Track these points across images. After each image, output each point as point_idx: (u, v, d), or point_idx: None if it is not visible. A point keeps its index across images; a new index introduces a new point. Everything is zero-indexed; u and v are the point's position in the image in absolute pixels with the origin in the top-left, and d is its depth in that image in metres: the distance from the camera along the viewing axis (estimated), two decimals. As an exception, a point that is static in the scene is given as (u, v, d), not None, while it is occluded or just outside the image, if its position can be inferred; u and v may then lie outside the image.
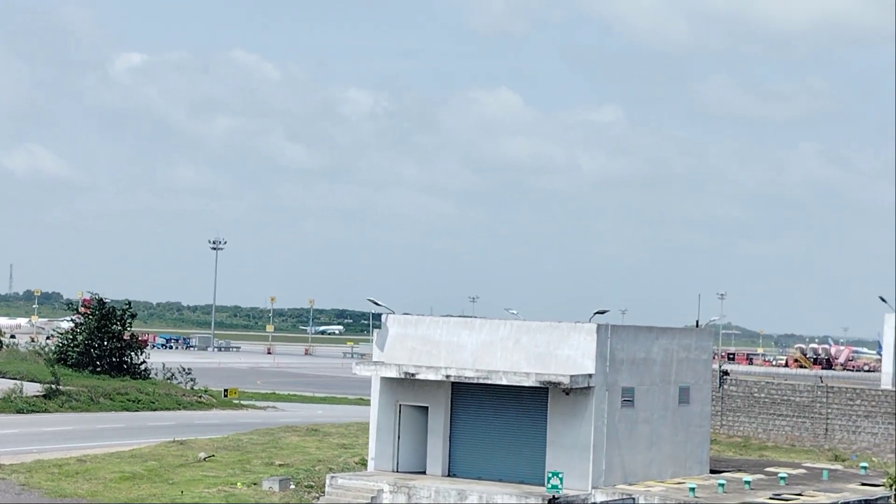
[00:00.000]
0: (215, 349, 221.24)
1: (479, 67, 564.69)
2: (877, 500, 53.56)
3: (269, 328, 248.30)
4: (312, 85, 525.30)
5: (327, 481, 52.51)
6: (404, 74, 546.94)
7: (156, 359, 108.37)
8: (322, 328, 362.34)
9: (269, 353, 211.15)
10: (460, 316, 58.62)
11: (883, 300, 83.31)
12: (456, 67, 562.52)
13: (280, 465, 57.49)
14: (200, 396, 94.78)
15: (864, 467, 62.56)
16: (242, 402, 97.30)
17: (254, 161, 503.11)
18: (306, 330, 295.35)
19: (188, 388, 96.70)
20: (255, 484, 53.55)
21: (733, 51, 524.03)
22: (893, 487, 52.76)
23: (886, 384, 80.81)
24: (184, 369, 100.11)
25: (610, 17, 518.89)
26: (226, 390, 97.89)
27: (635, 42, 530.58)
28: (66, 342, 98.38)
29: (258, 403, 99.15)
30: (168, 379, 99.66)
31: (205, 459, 58.46)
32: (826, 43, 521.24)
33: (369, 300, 57.89)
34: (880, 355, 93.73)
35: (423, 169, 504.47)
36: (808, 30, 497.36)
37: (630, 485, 52.17)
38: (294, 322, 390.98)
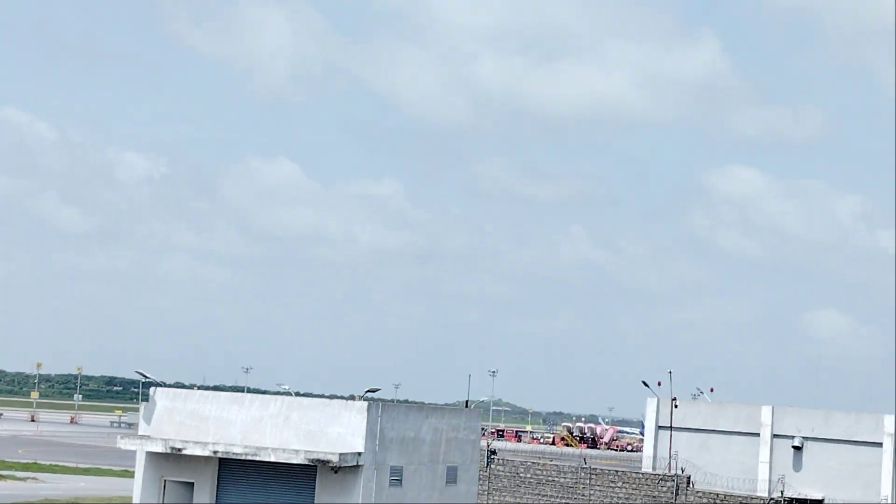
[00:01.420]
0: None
1: (259, 136, 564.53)
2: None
3: (34, 394, 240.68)
4: (88, 147, 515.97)
5: (86, 558, 51.07)
6: (183, 140, 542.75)
7: None
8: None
9: (33, 420, 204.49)
10: (231, 388, 58.25)
11: (645, 384, 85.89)
12: (236, 135, 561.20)
13: (37, 541, 55.69)
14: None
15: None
16: (1, 472, 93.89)
17: (25, 222, 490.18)
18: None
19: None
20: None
21: (509, 130, 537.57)
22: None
23: (647, 467, 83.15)
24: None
25: (388, 93, 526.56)
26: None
27: (413, 118, 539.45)
28: None
29: (18, 474, 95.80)
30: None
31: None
32: (594, 128, 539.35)
33: (137, 372, 56.94)
34: (643, 435, 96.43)
35: (200, 235, 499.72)
36: (577, 114, 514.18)
37: (395, 564, 52.23)
38: (61, 388, 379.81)
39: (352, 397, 56.44)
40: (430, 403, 61.53)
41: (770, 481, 79.87)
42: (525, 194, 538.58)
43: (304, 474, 51.75)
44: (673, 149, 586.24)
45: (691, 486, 75.98)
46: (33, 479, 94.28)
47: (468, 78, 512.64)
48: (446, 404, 61.72)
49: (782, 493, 74.94)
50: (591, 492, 76.63)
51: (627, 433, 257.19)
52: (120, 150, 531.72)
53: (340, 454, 49.97)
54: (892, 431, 79.91)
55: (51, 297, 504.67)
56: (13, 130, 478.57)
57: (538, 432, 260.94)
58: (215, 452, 51.32)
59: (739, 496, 75.14)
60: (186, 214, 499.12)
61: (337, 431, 51.34)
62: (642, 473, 78.57)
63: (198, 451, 51.53)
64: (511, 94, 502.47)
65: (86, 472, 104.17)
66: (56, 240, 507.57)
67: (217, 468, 52.93)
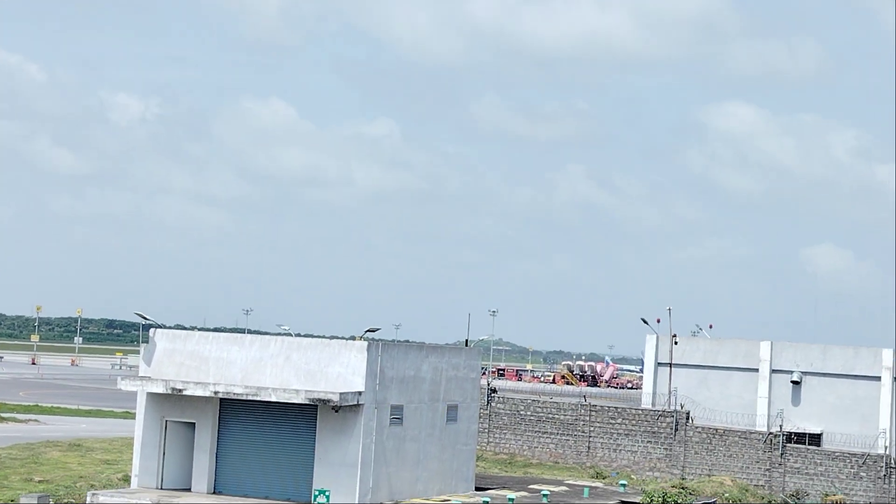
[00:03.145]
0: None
1: (252, 77, 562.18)
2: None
3: (35, 338, 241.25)
4: (80, 89, 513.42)
5: (88, 498, 51.32)
6: (175, 82, 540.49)
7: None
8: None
9: (34, 363, 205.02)
10: (231, 330, 58.23)
11: (644, 322, 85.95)
12: (228, 77, 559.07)
13: (39, 482, 55.96)
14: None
15: (623, 485, 64.51)
16: (2, 414, 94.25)
17: (18, 166, 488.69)
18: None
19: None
20: (11, 501, 51.92)
21: (502, 69, 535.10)
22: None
23: (646, 404, 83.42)
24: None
25: (380, 32, 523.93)
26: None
27: (406, 57, 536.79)
28: None
29: (19, 416, 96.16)
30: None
31: (-40, 475, 56.49)
32: (590, 66, 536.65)
33: (137, 314, 56.96)
34: (643, 373, 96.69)
35: (196, 178, 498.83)
36: (572, 52, 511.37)
37: (396, 502, 52.57)
38: (62, 332, 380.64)
39: (352, 338, 56.55)
40: (429, 343, 61.69)
41: (769, 416, 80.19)
42: (521, 133, 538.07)
43: (305, 414, 51.92)
44: (669, 86, 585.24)
45: (690, 421, 76.27)
46: (35, 421, 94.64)
47: (461, 16, 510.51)
48: (446, 344, 61.92)
49: (781, 427, 75.24)
50: (591, 428, 76.94)
51: (628, 371, 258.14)
52: (112, 91, 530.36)
53: (341, 393, 50.11)
54: (891, 365, 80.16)
55: (49, 241, 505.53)
56: (2, 72, 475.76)
57: (538, 371, 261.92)
58: (216, 393, 51.46)
59: (738, 431, 75.46)
60: (181, 156, 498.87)
61: (337, 371, 51.47)
62: (642, 410, 78.85)
63: (198, 392, 51.67)
64: (505, 32, 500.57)
65: (87, 413, 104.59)
66: (50, 183, 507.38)
67: (218, 408, 53.11)
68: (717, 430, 75.43)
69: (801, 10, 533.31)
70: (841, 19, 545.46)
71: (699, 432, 75.38)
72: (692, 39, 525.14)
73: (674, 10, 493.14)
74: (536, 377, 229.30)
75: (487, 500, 53.84)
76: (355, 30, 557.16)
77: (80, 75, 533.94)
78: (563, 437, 77.48)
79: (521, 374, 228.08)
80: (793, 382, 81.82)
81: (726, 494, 67.94)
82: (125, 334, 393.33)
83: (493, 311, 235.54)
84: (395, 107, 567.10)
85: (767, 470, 73.47)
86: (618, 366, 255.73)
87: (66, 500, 52.68)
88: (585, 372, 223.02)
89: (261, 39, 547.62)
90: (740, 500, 68.34)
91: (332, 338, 54.18)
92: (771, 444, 73.89)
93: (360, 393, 50.97)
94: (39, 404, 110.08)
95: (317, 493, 49.09)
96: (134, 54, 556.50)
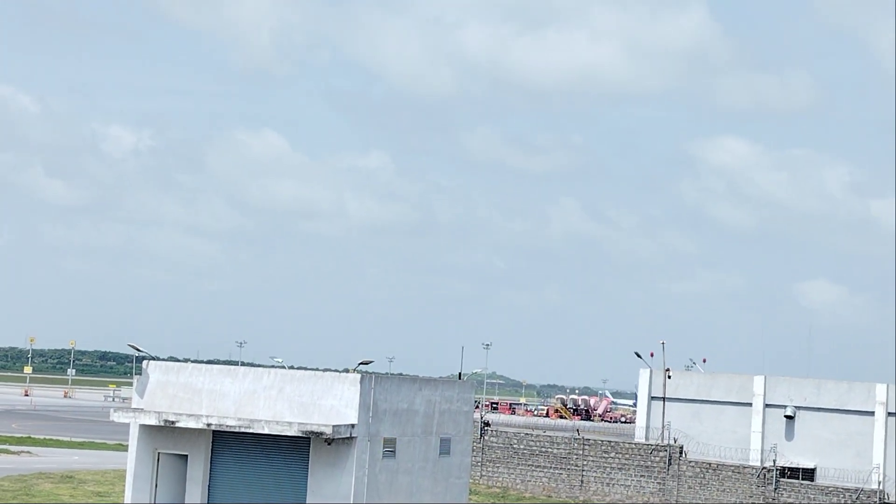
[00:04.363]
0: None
1: (245, 108, 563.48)
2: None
3: (27, 369, 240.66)
4: (73, 119, 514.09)
5: (80, 531, 51.17)
6: (168, 112, 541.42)
7: None
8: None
9: (27, 394, 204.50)
10: (225, 362, 58.25)
11: (638, 356, 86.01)
12: (220, 107, 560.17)
13: (31, 514, 55.78)
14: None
15: (617, 518, 64.38)
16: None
17: (11, 196, 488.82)
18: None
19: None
20: (3, 533, 51.80)
21: (495, 101, 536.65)
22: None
23: (640, 438, 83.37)
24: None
25: (373, 63, 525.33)
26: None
27: (398, 89, 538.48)
28: None
29: (12, 448, 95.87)
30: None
31: (-49, 507, 56.30)
32: (583, 99, 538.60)
33: (130, 346, 56.93)
34: (636, 407, 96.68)
35: (188, 209, 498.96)
36: (565, 85, 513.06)
37: (389, 535, 52.40)
38: (55, 363, 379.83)
39: (345, 370, 56.60)
40: (423, 376, 61.75)
41: (762, 450, 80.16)
42: (514, 166, 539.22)
43: (298, 446, 51.83)
44: (661, 119, 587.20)
45: (684, 455, 76.23)
46: (27, 452, 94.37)
47: (453, 47, 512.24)
48: (440, 377, 61.93)
49: (774, 462, 75.19)
50: (585, 462, 76.84)
51: (621, 405, 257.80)
52: (104, 122, 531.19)
53: (334, 426, 50.02)
54: (884, 400, 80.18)
55: (42, 272, 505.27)
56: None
57: (532, 405, 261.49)
58: (209, 425, 51.36)
59: (732, 465, 75.40)
60: (174, 187, 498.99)
61: (330, 403, 51.40)
62: (635, 444, 78.80)
63: (191, 424, 51.57)
64: (496, 64, 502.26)
65: (80, 445, 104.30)
66: (43, 213, 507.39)
67: (210, 441, 53.00)
68: (710, 464, 75.37)
69: (792, 42, 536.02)
70: (833, 52, 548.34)
71: (692, 466, 75.32)
72: (684, 72, 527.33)
73: (665, 43, 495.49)
74: (530, 411, 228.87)
75: (480, 533, 53.72)
76: (347, 61, 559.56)
77: (73, 106, 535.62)
78: (557, 471, 77.37)
79: (514, 408, 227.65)
80: (786, 417, 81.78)
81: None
82: (118, 366, 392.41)
83: (487, 345, 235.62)
84: (387, 138, 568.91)
85: (761, 504, 73.35)
86: (610, 399, 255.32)
87: (57, 533, 52.51)
88: (579, 406, 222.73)
89: (253, 69, 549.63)
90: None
91: (325, 370, 54.14)
92: (764, 478, 73.81)
93: (353, 426, 50.90)
94: (32, 436, 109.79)
95: (309, 526, 48.94)
96: (126, 85, 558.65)
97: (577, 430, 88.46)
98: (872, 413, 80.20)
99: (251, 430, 50.93)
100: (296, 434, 50.32)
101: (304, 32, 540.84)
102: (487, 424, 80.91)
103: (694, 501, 74.28)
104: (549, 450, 77.87)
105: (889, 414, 79.70)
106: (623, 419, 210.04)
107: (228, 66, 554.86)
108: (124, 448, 76.55)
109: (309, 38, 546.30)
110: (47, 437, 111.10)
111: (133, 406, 53.90)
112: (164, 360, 57.11)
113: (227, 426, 51.20)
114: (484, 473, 78.34)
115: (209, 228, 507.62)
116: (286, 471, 52.27)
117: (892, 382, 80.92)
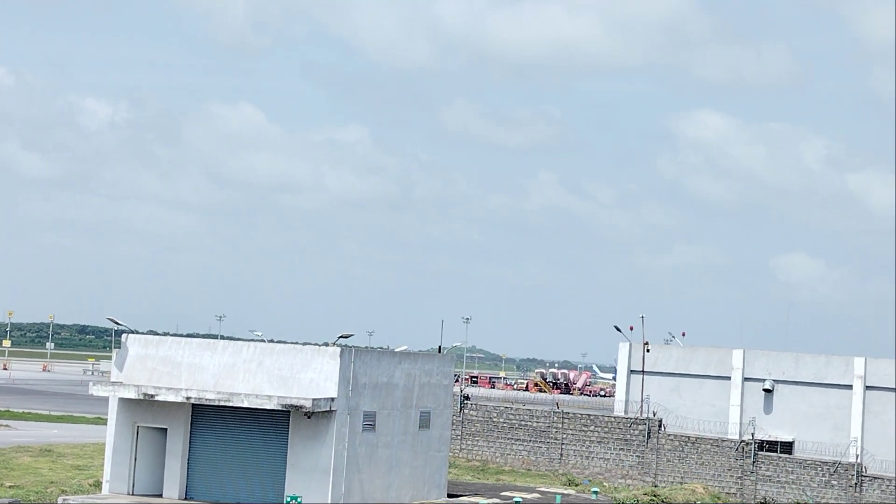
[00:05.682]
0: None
1: (221, 81, 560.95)
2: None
3: (6, 343, 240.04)
4: (49, 92, 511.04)
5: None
6: (145, 85, 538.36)
7: None
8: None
9: (5, 368, 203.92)
10: (204, 336, 58.05)
11: (618, 329, 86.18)
12: (197, 80, 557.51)
13: (10, 487, 55.65)
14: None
15: (596, 492, 64.62)
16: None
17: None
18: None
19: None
20: (-18, 507, 51.69)
21: (472, 75, 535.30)
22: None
23: (619, 411, 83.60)
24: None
25: (350, 36, 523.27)
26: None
27: (376, 62, 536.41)
28: None
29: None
30: None
31: (-71, 481, 56.13)
32: (561, 72, 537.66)
33: (109, 319, 56.73)
34: (615, 381, 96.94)
35: (166, 182, 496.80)
36: (543, 58, 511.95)
37: (368, 508, 52.50)
38: (34, 337, 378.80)
39: (325, 344, 56.52)
40: (402, 349, 61.80)
41: (741, 424, 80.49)
42: (492, 139, 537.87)
43: (277, 419, 51.83)
44: (639, 93, 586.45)
45: (663, 429, 76.49)
46: (6, 426, 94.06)
47: (431, 20, 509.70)
48: (420, 351, 61.84)
49: (753, 435, 75.53)
50: (564, 436, 77.04)
51: (601, 378, 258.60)
52: (81, 95, 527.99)
53: (313, 399, 50.04)
54: (862, 374, 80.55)
55: (19, 246, 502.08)
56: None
57: (512, 378, 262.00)
58: (188, 398, 51.32)
59: (710, 439, 75.71)
60: (151, 161, 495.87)
61: (310, 377, 51.39)
62: (614, 417, 79.03)
63: (170, 397, 51.53)
64: (474, 37, 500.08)
65: (59, 419, 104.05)
66: (20, 187, 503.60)
67: (190, 414, 52.97)
68: (689, 437, 75.67)
69: (771, 16, 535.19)
70: (811, 26, 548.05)
71: (671, 440, 75.61)
72: (662, 45, 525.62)
73: (643, 16, 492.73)
74: (509, 384, 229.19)
75: (460, 506, 53.83)
76: (325, 33, 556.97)
77: (49, 78, 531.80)
78: (536, 445, 77.57)
79: (494, 382, 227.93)
80: (765, 391, 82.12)
81: (698, 502, 68.12)
82: (97, 339, 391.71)
83: (467, 319, 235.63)
84: (365, 112, 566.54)
85: (739, 478, 73.71)
86: (590, 373, 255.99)
87: (36, 506, 52.45)
88: (558, 379, 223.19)
89: (229, 42, 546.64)
90: (712, 508, 68.56)
91: (304, 344, 54.10)
92: (743, 451, 74.14)
93: (332, 399, 50.92)
94: (10, 409, 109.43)
95: (289, 498, 49.01)
96: (102, 57, 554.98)
97: (557, 404, 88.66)
98: (850, 387, 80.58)
99: (231, 404, 50.92)
100: (275, 407, 50.31)
101: (281, 5, 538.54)
102: (467, 398, 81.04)
103: (673, 474, 74.62)
104: (529, 423, 78.08)
105: (867, 387, 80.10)
106: (602, 393, 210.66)
107: (205, 39, 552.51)
108: (103, 422, 76.39)
109: (286, 10, 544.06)
110: (26, 410, 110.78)
111: (112, 380, 53.80)
112: (143, 333, 56.94)
113: (206, 400, 51.16)
114: (463, 447, 78.51)
115: (187, 202, 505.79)
116: (266, 444, 52.29)
117: (870, 356, 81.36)
